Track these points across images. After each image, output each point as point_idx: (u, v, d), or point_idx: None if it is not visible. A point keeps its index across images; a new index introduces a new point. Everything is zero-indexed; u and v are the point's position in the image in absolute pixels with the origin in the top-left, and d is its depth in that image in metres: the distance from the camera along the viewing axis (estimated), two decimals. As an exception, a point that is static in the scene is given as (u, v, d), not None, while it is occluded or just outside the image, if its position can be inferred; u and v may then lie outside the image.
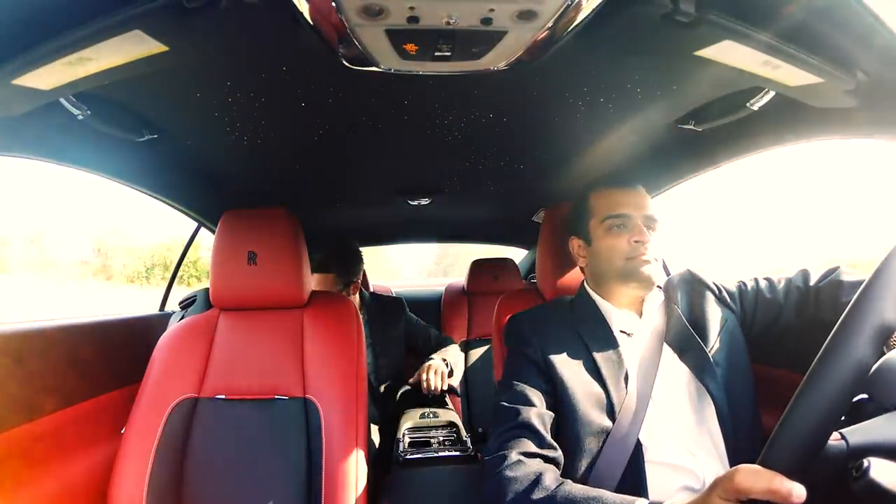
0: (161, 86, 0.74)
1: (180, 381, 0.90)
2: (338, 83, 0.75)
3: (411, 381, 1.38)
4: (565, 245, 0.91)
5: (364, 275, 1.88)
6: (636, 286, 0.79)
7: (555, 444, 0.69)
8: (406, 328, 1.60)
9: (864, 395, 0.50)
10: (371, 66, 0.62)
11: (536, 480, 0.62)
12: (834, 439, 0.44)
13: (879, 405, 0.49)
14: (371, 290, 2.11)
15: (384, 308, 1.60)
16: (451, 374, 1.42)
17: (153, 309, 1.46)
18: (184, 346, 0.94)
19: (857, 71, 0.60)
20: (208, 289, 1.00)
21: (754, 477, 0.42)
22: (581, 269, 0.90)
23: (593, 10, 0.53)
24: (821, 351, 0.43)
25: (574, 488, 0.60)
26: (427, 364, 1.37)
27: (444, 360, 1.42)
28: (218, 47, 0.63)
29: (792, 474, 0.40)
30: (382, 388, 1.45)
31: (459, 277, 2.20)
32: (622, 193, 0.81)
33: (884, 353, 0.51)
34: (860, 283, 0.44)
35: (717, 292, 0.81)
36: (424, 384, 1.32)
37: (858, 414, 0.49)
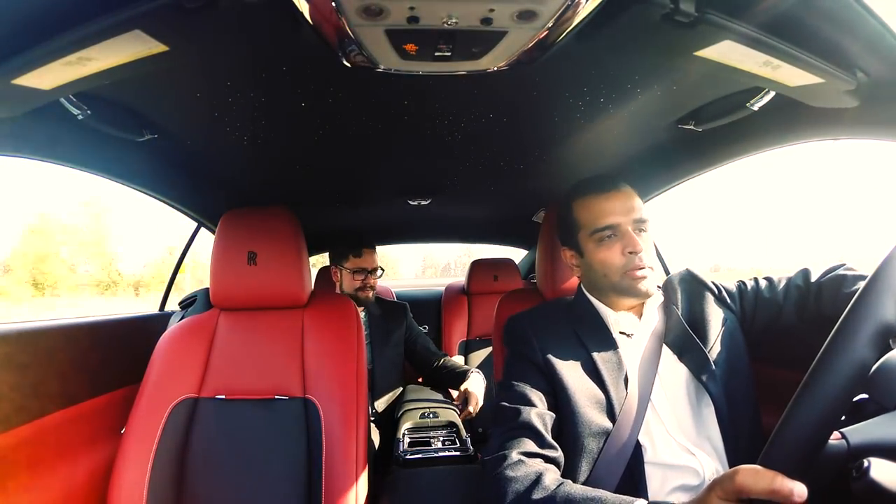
0: (161, 86, 0.74)
1: (180, 381, 0.90)
2: (338, 83, 0.75)
3: (462, 411, 1.33)
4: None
5: None
6: (634, 299, 0.78)
7: (555, 444, 0.69)
8: (407, 334, 1.61)
9: (865, 395, 0.50)
10: (371, 66, 0.62)
11: (536, 480, 0.62)
12: (834, 438, 0.44)
13: (879, 405, 0.49)
14: None
15: (387, 311, 1.60)
16: None
17: (153, 309, 1.46)
18: (184, 346, 0.94)
19: (857, 71, 0.60)
20: (208, 289, 1.00)
21: (755, 476, 0.42)
22: (577, 276, 0.88)
23: (593, 10, 0.53)
24: (821, 350, 0.42)
25: (574, 488, 0.60)
26: (473, 394, 1.32)
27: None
28: (218, 47, 0.63)
29: (792, 473, 0.40)
30: (384, 402, 1.45)
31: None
32: (606, 200, 0.77)
33: (884, 353, 0.51)
34: (862, 276, 0.44)
35: (716, 293, 0.81)
36: (465, 414, 1.29)
37: (858, 414, 0.49)
